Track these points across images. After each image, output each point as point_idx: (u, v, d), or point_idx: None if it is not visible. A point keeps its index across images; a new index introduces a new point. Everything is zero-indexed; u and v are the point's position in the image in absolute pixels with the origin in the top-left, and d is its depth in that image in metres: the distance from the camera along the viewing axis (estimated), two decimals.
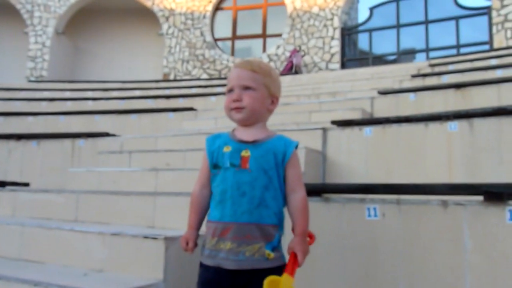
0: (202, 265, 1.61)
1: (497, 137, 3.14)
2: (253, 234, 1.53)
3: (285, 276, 1.47)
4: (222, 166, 1.60)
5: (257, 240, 1.53)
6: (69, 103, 8.73)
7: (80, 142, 4.96)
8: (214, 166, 1.63)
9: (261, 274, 1.51)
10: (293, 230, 1.62)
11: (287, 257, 1.58)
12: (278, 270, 1.57)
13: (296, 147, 1.66)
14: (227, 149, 1.61)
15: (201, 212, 1.69)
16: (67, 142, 5.01)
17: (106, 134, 5.10)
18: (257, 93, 1.64)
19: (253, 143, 1.62)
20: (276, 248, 1.58)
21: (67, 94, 10.69)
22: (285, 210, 1.65)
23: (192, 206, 1.69)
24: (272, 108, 1.70)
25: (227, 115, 1.70)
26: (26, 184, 3.67)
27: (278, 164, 1.61)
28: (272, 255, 1.55)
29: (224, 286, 1.54)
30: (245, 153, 1.59)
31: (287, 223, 1.65)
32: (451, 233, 1.88)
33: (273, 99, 1.69)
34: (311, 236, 1.69)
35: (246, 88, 1.63)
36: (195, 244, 1.67)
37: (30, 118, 6.95)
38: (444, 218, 1.90)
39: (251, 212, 1.54)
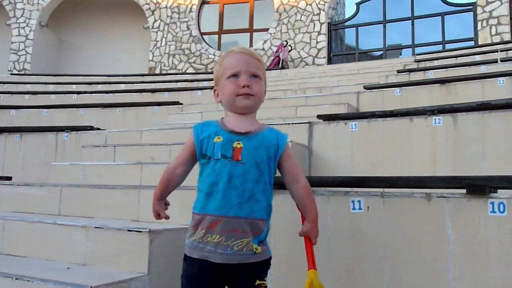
0: (186, 258, 1.57)
1: (481, 131, 3.17)
2: (243, 228, 1.51)
3: (312, 272, 1.58)
4: (212, 157, 1.55)
5: (246, 235, 1.51)
6: (53, 96, 8.61)
7: (64, 135, 4.90)
8: (203, 156, 1.58)
9: (247, 268, 1.52)
10: (298, 208, 1.70)
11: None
12: (264, 263, 1.57)
13: (287, 138, 1.67)
14: (218, 140, 1.56)
15: (168, 188, 1.71)
16: (50, 135, 4.94)
17: (91, 128, 5.04)
18: (262, 83, 1.64)
19: (246, 135, 1.58)
20: (263, 241, 1.57)
21: (51, 88, 10.53)
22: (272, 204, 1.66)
23: (162, 180, 1.70)
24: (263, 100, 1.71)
25: (228, 101, 1.62)
26: (9, 178, 3.61)
27: (269, 157, 1.59)
28: (259, 249, 1.54)
29: (210, 279, 1.52)
30: (237, 144, 1.55)
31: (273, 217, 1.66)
32: (434, 225, 1.90)
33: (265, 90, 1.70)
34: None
35: (255, 76, 1.60)
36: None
37: (13, 111, 6.84)
38: (428, 210, 1.91)
39: (241, 206, 1.51)
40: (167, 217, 1.72)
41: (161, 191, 1.71)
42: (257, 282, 1.52)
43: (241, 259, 1.50)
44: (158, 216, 1.71)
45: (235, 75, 1.59)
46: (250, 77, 1.58)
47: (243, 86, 1.56)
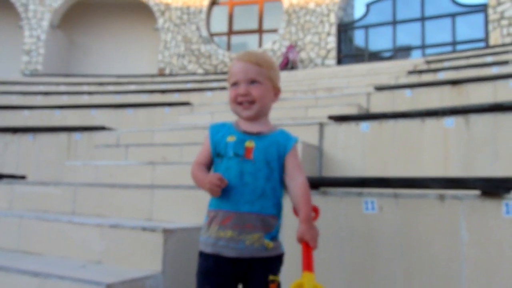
0: (201, 255, 1.62)
1: (493, 133, 3.16)
2: (254, 224, 1.55)
3: (306, 275, 1.49)
4: (225, 155, 1.61)
5: (257, 230, 1.55)
6: (64, 97, 8.69)
7: (76, 135, 4.95)
8: (217, 154, 1.64)
9: (260, 263, 1.54)
10: (294, 212, 1.65)
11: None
12: (277, 259, 1.60)
13: (296, 142, 1.70)
14: (231, 139, 1.62)
15: (206, 171, 1.66)
16: (63, 135, 4.99)
17: (102, 128, 5.09)
18: (264, 87, 1.65)
19: (257, 135, 1.64)
20: (275, 238, 1.61)
21: (63, 88, 10.64)
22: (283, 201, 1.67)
23: (196, 170, 1.65)
24: (275, 100, 1.72)
25: (231, 108, 1.69)
26: (23, 177, 3.66)
27: (280, 156, 1.64)
28: (271, 244, 1.57)
29: (224, 274, 1.55)
30: (249, 143, 1.61)
31: (285, 214, 1.67)
32: (448, 226, 1.90)
33: (276, 91, 1.71)
34: (315, 210, 1.69)
35: (253, 81, 1.64)
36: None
37: (26, 111, 6.92)
38: (441, 211, 1.92)
39: (252, 203, 1.56)
40: (225, 181, 1.56)
41: (203, 173, 1.64)
42: (270, 277, 1.54)
43: (252, 253, 1.54)
44: (221, 180, 1.54)
45: (235, 84, 1.66)
46: (249, 83, 1.63)
47: (241, 95, 1.63)
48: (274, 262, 1.60)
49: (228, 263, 1.55)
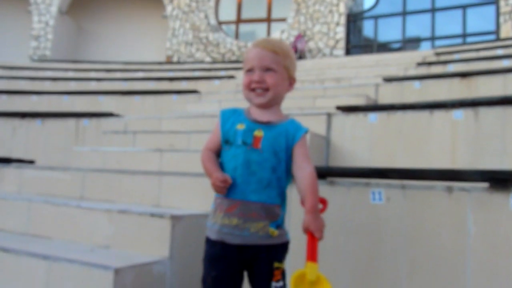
0: (208, 241, 1.63)
1: (502, 126, 3.14)
2: (259, 213, 1.56)
3: (309, 264, 1.49)
4: (234, 143, 1.61)
5: (262, 219, 1.56)
6: (72, 83, 8.72)
7: (84, 121, 4.97)
8: (226, 141, 1.64)
9: (265, 250, 1.56)
10: (302, 204, 1.62)
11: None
12: (282, 247, 1.61)
13: (306, 132, 1.67)
14: (240, 127, 1.62)
15: (217, 164, 1.64)
16: (71, 121, 5.02)
17: (111, 115, 5.11)
18: (279, 75, 1.63)
19: (267, 124, 1.63)
20: (280, 226, 1.62)
21: (71, 74, 10.67)
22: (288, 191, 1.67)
23: (206, 160, 1.65)
24: (290, 89, 1.71)
25: (244, 95, 1.68)
26: (31, 162, 3.69)
27: (288, 147, 1.62)
28: (276, 232, 1.58)
29: (230, 260, 1.57)
30: (258, 132, 1.60)
31: (290, 202, 1.67)
32: (455, 219, 1.90)
33: (291, 80, 1.70)
34: (323, 202, 1.66)
35: (268, 69, 1.62)
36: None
37: (34, 97, 6.95)
38: (449, 203, 1.92)
39: (259, 192, 1.56)
40: (229, 181, 1.56)
41: (215, 164, 1.63)
42: (275, 264, 1.56)
43: (257, 241, 1.56)
44: (225, 182, 1.55)
45: (250, 70, 1.64)
46: (264, 71, 1.62)
47: (255, 82, 1.62)
48: (279, 249, 1.61)
49: (233, 250, 1.56)
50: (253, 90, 1.63)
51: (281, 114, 1.69)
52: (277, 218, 1.59)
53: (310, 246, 1.53)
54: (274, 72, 1.63)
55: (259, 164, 1.57)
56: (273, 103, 1.66)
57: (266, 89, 1.62)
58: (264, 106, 1.65)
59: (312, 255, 1.51)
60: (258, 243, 1.56)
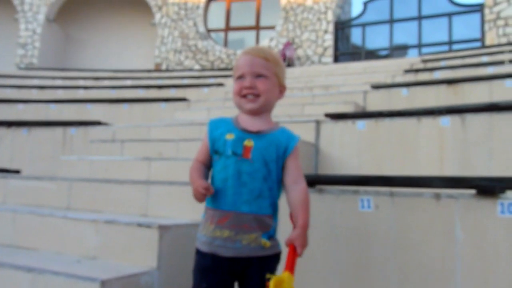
0: (198, 252, 1.60)
1: (489, 132, 3.17)
2: (251, 224, 1.53)
3: (287, 274, 1.47)
4: (223, 153, 1.58)
5: (254, 230, 1.54)
6: (60, 91, 8.64)
7: (71, 130, 4.92)
8: (215, 152, 1.61)
9: (257, 261, 1.54)
10: (292, 222, 1.61)
11: (283, 246, 1.59)
12: (274, 257, 1.60)
13: (298, 141, 1.66)
14: (230, 137, 1.59)
15: (202, 174, 1.63)
16: (58, 130, 4.97)
17: (98, 123, 5.07)
18: (269, 82, 1.63)
19: (257, 134, 1.60)
20: (272, 236, 1.60)
21: (58, 82, 10.58)
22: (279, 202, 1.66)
23: (193, 169, 1.63)
24: (280, 97, 1.70)
25: (235, 102, 1.66)
26: (17, 171, 3.64)
27: (279, 157, 1.60)
28: (268, 243, 1.56)
29: (221, 273, 1.55)
30: (248, 142, 1.57)
31: (281, 213, 1.67)
32: (443, 225, 1.90)
33: (281, 88, 1.69)
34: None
35: (259, 75, 1.61)
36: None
37: (21, 105, 6.87)
38: (437, 210, 1.92)
39: (250, 203, 1.54)
40: (211, 191, 1.54)
41: (201, 175, 1.61)
42: (267, 275, 1.54)
43: (250, 253, 1.54)
44: (207, 190, 1.52)
45: (241, 77, 1.63)
46: (255, 77, 1.61)
47: (246, 88, 1.60)
48: (272, 260, 1.59)
49: (225, 262, 1.54)
50: (244, 96, 1.62)
51: (271, 122, 1.68)
52: (269, 229, 1.57)
53: (291, 259, 1.52)
54: (265, 78, 1.62)
55: (250, 175, 1.54)
56: (263, 110, 1.64)
57: (257, 95, 1.60)
58: (255, 113, 1.63)
59: (292, 266, 1.50)
60: (251, 255, 1.54)
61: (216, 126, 1.65)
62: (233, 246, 1.53)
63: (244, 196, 1.54)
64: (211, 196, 1.58)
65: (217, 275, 1.55)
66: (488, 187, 1.85)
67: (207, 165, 1.67)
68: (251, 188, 1.54)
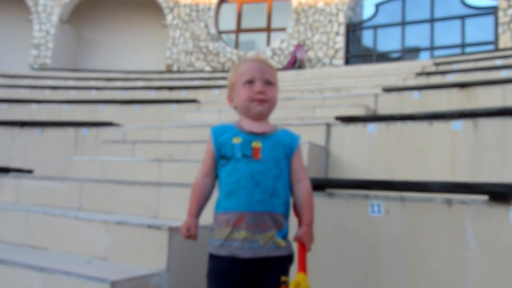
0: (213, 257, 1.61)
1: (502, 137, 3.14)
2: (266, 223, 1.56)
3: (302, 275, 1.54)
4: (232, 157, 1.61)
5: (269, 228, 1.57)
6: (72, 91, 8.72)
7: (83, 131, 4.97)
8: (222, 157, 1.64)
9: (273, 263, 1.56)
10: (297, 217, 1.68)
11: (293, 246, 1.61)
12: (288, 259, 1.63)
13: (299, 140, 1.74)
14: (237, 140, 1.63)
15: (202, 201, 1.69)
16: (70, 130, 5.02)
17: (110, 124, 5.10)
18: (275, 90, 1.71)
19: (263, 135, 1.66)
20: (286, 236, 1.63)
21: (71, 83, 10.68)
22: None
23: (194, 194, 1.69)
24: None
25: (242, 106, 1.69)
26: (30, 171, 3.68)
27: (286, 155, 1.67)
28: (283, 243, 1.60)
29: (237, 276, 1.56)
30: (256, 144, 1.62)
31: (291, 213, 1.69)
32: (455, 231, 1.89)
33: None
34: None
35: (268, 82, 1.68)
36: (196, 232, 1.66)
37: (34, 105, 6.95)
38: (448, 216, 1.90)
39: (264, 202, 1.57)
40: (196, 236, 1.65)
41: (197, 206, 1.68)
42: (282, 278, 1.56)
43: (268, 252, 1.56)
44: (187, 231, 1.63)
45: (250, 82, 1.67)
46: (265, 83, 1.67)
47: (258, 92, 1.65)
48: (286, 262, 1.63)
49: (241, 265, 1.55)
50: (253, 100, 1.66)
51: (271, 125, 1.74)
52: (282, 228, 1.61)
53: (302, 257, 1.58)
54: (273, 86, 1.69)
55: (263, 174, 1.58)
56: (267, 115, 1.72)
57: (267, 100, 1.67)
58: (262, 116, 1.69)
59: (303, 267, 1.57)
60: (269, 255, 1.56)
61: (221, 132, 1.68)
62: (251, 247, 1.55)
63: (257, 195, 1.57)
64: (221, 200, 1.62)
65: (233, 279, 1.56)
66: (501, 193, 1.83)
67: (213, 176, 1.70)
68: (264, 186, 1.58)
